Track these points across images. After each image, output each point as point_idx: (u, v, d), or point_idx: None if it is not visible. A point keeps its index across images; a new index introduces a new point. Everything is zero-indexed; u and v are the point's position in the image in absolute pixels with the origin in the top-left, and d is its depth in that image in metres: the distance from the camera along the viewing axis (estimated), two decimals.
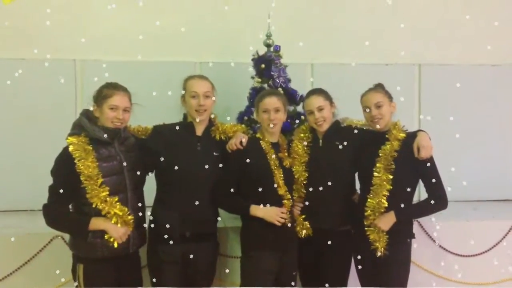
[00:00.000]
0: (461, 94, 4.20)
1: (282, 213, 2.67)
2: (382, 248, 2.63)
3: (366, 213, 2.67)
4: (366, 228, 2.66)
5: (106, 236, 2.46)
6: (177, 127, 2.74)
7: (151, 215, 2.73)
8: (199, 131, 2.77)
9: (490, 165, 4.36)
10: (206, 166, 2.65)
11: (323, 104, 2.80)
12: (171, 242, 2.62)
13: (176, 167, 2.63)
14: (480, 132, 4.34)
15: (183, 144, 2.71)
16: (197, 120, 2.72)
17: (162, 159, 2.64)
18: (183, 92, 2.78)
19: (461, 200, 2.74)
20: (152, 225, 2.69)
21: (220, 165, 2.72)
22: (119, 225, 2.47)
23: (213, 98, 2.76)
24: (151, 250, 2.72)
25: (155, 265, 2.70)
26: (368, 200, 2.66)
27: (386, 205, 2.63)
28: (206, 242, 2.76)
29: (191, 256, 2.65)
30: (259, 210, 2.67)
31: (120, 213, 2.47)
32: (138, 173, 2.59)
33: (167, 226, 2.62)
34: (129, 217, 2.50)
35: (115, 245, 2.47)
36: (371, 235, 2.65)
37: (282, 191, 2.70)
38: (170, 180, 2.69)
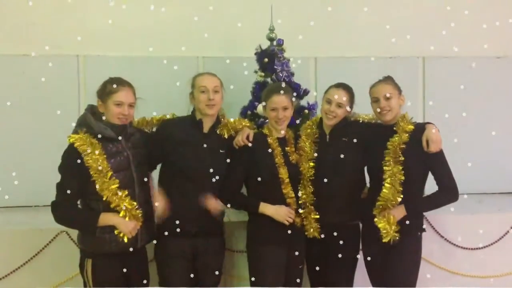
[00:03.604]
0: (466, 86, 4.18)
1: (291, 213, 2.67)
2: (392, 232, 2.57)
3: (378, 203, 2.63)
4: (375, 219, 2.62)
5: (116, 231, 2.45)
6: (185, 124, 2.73)
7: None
8: (206, 128, 2.75)
9: (495, 157, 4.34)
10: (211, 164, 2.63)
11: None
12: (178, 237, 2.62)
13: (182, 164, 2.63)
14: (484, 124, 4.31)
15: (190, 141, 2.69)
16: (208, 113, 2.69)
17: (168, 154, 2.65)
18: (191, 89, 2.76)
19: (466, 193, 2.72)
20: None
21: (227, 161, 2.70)
22: (127, 219, 2.46)
23: (222, 94, 2.75)
24: (159, 245, 2.70)
25: (163, 259, 2.70)
26: (384, 190, 2.61)
27: (402, 197, 2.59)
28: (213, 238, 2.75)
29: (199, 251, 2.67)
30: (268, 209, 2.66)
31: (130, 207, 2.46)
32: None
33: (174, 222, 2.61)
34: (138, 211, 2.49)
35: (125, 240, 2.46)
36: (379, 223, 2.62)
37: (286, 189, 2.69)
38: (176, 176, 2.67)
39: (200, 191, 2.64)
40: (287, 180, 2.69)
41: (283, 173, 2.69)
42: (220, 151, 2.73)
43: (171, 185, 2.67)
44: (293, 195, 2.71)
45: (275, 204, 2.67)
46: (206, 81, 2.71)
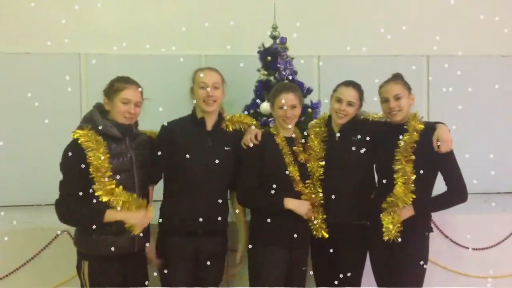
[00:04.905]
0: (470, 85, 4.15)
1: (310, 209, 2.67)
2: (394, 232, 2.56)
3: (388, 198, 2.60)
4: (381, 214, 2.60)
5: (126, 226, 2.41)
6: (187, 123, 2.70)
7: (160, 209, 2.70)
8: (209, 125, 2.71)
9: (500, 157, 4.29)
10: (217, 161, 2.60)
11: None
12: (182, 237, 2.61)
13: (187, 164, 2.59)
14: (489, 124, 4.29)
15: (194, 140, 2.66)
16: (206, 109, 2.66)
17: (172, 156, 2.61)
18: (192, 84, 2.73)
19: (471, 193, 2.69)
20: (162, 220, 2.66)
21: (233, 158, 2.68)
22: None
23: (223, 91, 2.71)
24: (161, 244, 2.69)
25: (165, 258, 2.67)
26: (396, 188, 2.58)
27: (414, 197, 2.57)
28: (217, 238, 2.72)
29: (202, 250, 2.65)
30: (292, 203, 2.65)
31: (129, 199, 2.41)
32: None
33: (178, 223, 2.61)
34: (140, 200, 2.45)
35: (136, 232, 2.41)
36: (383, 219, 2.59)
37: (298, 187, 2.67)
38: (181, 176, 2.64)
39: (206, 190, 2.62)
40: (298, 178, 2.67)
41: (293, 171, 2.66)
42: (225, 148, 2.70)
43: (176, 185, 2.64)
44: (307, 192, 2.69)
45: None
46: (205, 76, 2.67)
